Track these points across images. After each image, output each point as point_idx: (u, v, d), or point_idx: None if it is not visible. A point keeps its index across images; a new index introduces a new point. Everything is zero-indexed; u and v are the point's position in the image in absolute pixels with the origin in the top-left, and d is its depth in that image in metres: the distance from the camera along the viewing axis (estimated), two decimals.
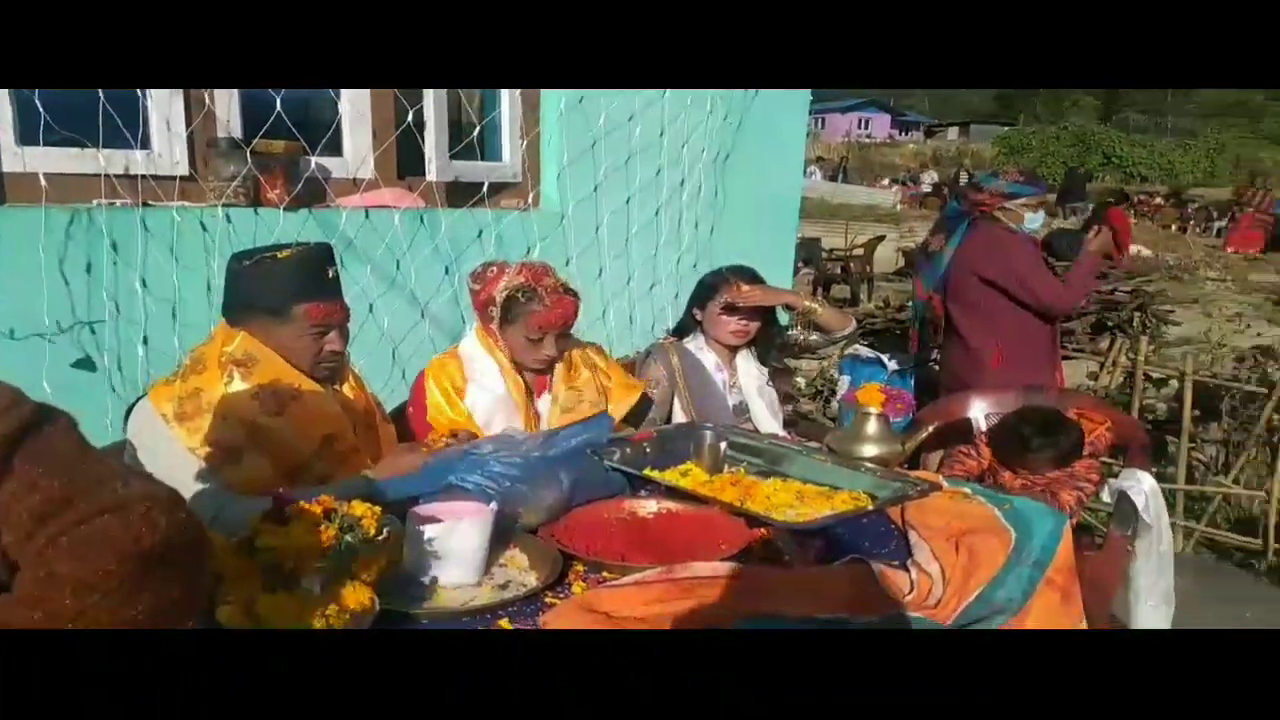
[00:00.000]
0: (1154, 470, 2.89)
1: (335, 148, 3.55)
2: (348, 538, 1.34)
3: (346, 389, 2.05)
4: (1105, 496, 2.76)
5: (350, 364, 2.11)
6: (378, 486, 1.75)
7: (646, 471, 2.11)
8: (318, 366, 1.92)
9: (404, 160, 3.81)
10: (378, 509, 1.42)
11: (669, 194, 3.95)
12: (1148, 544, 2.68)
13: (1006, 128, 41.39)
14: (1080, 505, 2.65)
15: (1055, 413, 2.77)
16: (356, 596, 1.32)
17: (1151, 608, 2.74)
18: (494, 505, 1.63)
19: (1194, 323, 8.29)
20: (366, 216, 3.20)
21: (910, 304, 3.79)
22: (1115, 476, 2.79)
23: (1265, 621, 3.38)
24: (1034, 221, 3.41)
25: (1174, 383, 4.50)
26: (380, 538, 1.39)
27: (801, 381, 4.99)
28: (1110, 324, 7.16)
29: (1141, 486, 2.69)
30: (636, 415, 2.56)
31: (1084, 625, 1.89)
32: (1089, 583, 2.03)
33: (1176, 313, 8.44)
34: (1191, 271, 12.45)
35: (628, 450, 2.17)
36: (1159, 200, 23.36)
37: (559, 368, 2.42)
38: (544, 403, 2.42)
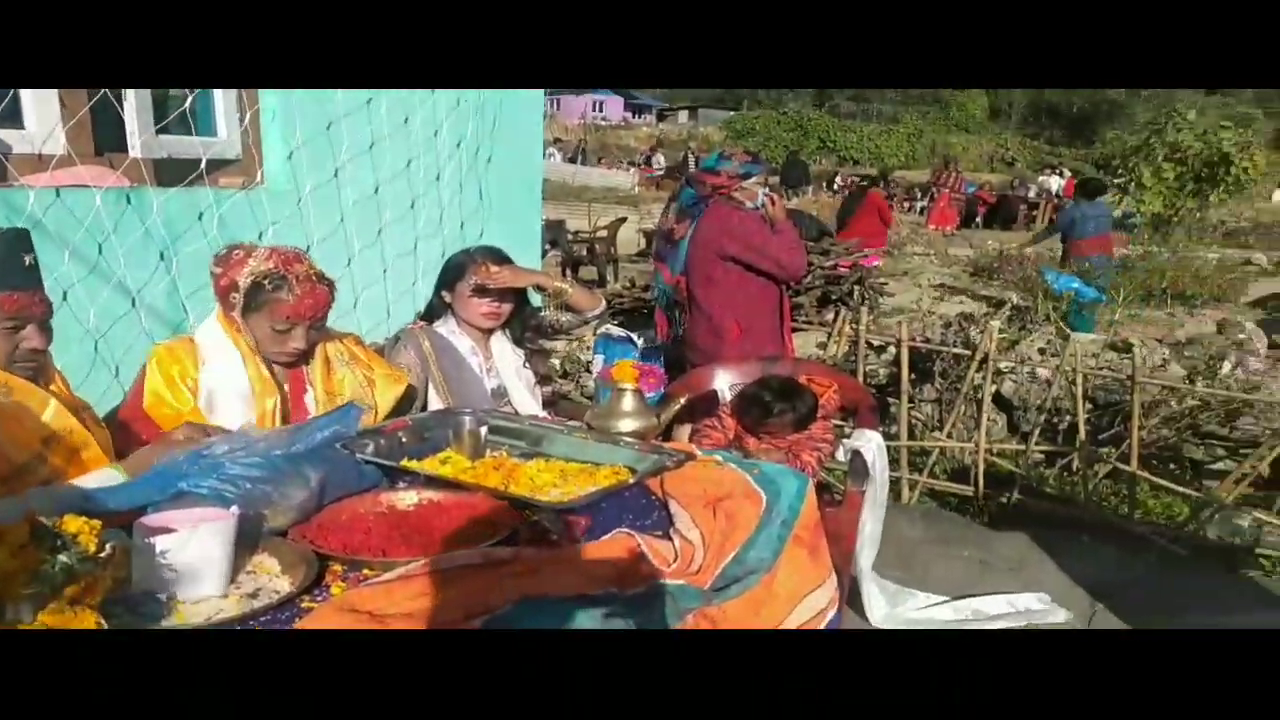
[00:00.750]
0: (881, 429, 3.14)
1: (15, 119, 3.13)
2: (61, 557, 1.17)
3: (54, 390, 1.81)
4: (840, 455, 2.97)
5: (52, 363, 1.87)
6: (96, 498, 1.56)
7: (404, 463, 2.03)
8: (12, 366, 1.69)
9: (102, 135, 3.43)
10: (96, 523, 1.26)
11: (425, 185, 3.82)
12: (873, 494, 2.93)
13: (732, 112, 43.44)
14: (820, 465, 2.83)
15: (792, 380, 2.94)
16: (79, 622, 1.17)
17: (869, 548, 3.04)
18: (235, 510, 1.49)
19: (906, 293, 9.11)
20: (58, 196, 2.84)
21: (656, 288, 3.88)
22: (848, 437, 3.01)
23: (979, 559, 3.77)
24: (761, 198, 3.59)
25: (892, 349, 4.91)
26: (102, 554, 1.23)
27: (555, 363, 5.00)
28: (834, 297, 7.72)
29: (870, 444, 2.93)
30: (404, 405, 2.46)
31: (831, 576, 2.02)
32: (832, 536, 2.16)
33: (890, 285, 9.24)
34: (900, 247, 13.65)
35: (381, 441, 2.07)
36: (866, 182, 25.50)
37: (316, 366, 2.27)
38: (310, 400, 2.27)
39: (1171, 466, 4.58)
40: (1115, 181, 17.09)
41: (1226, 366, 5.79)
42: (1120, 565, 3.76)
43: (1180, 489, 4.19)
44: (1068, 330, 6.42)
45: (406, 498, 1.84)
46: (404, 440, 2.13)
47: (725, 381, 3.30)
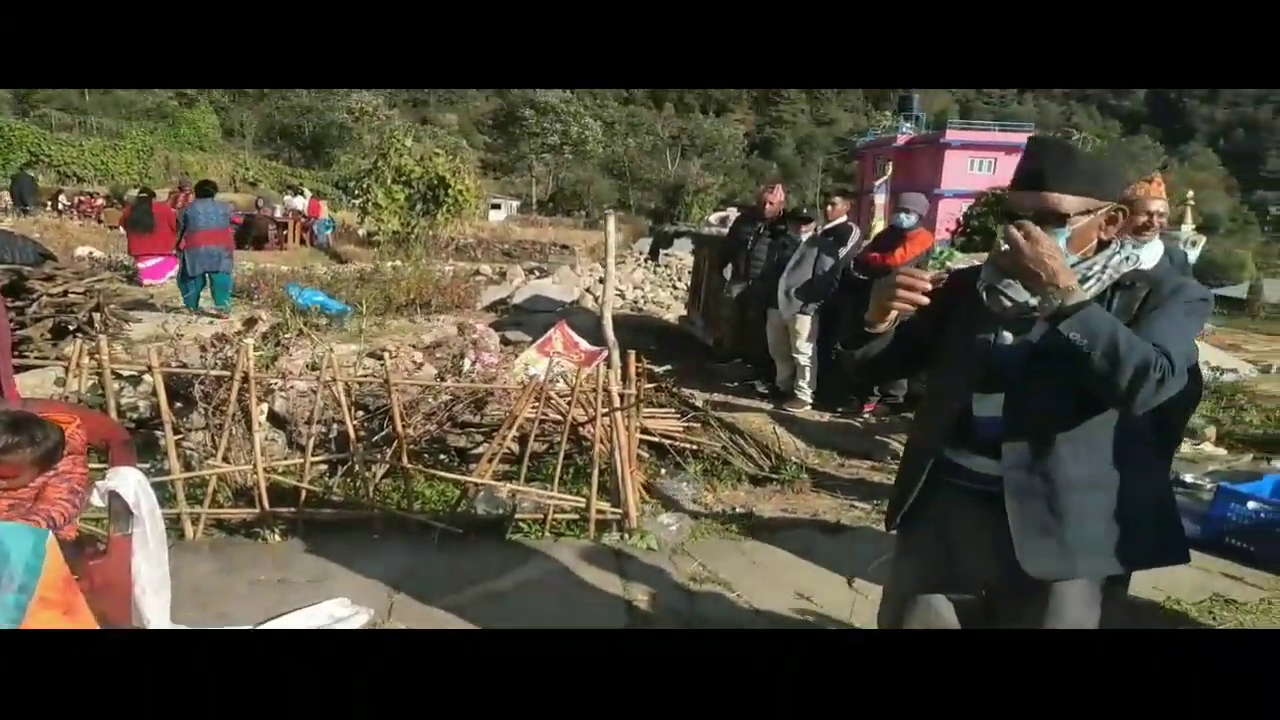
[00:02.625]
0: (148, 465, 2.80)
1: None
2: None
3: None
4: (97, 500, 2.58)
5: None
6: None
7: None
8: None
9: None
10: None
11: None
12: (143, 536, 2.61)
13: None
14: (70, 514, 2.40)
15: (23, 413, 2.48)
16: None
17: (153, 595, 2.71)
18: None
19: (155, 318, 8.42)
20: None
21: None
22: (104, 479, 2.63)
23: (278, 578, 3.60)
24: None
25: (147, 378, 4.45)
26: None
27: None
28: (71, 327, 6.78)
29: (129, 482, 2.60)
30: None
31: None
32: (101, 589, 1.85)
33: (137, 312, 8.46)
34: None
35: None
36: (100, 200, 23.34)
37: None
38: None
39: (442, 456, 4.96)
40: (355, 202, 18.15)
41: (467, 363, 6.50)
42: (408, 553, 3.95)
43: (448, 475, 4.55)
44: (323, 342, 6.57)
45: None
46: None
47: None
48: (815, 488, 5.24)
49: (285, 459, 4.67)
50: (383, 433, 4.79)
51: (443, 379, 5.31)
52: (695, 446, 5.47)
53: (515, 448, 4.62)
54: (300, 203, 24.68)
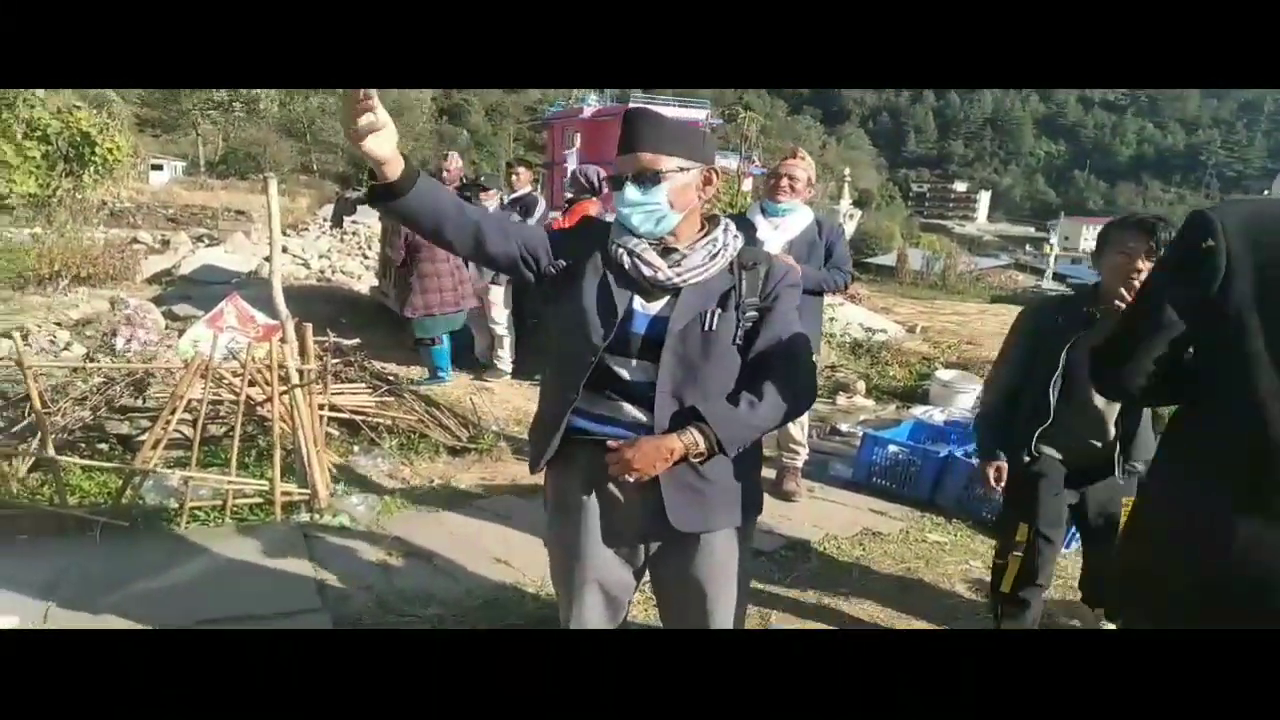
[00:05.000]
0: None
1: None
2: None
3: None
4: None
5: None
6: None
7: None
8: None
9: None
10: None
11: None
12: None
13: None
14: None
15: None
16: None
17: None
18: None
19: None
20: None
21: None
22: None
23: None
24: None
25: None
26: None
27: None
28: None
29: None
30: None
31: None
32: None
33: None
34: None
35: None
36: None
37: None
38: None
39: (101, 445, 4.49)
40: None
41: (120, 341, 5.91)
42: (65, 553, 3.55)
43: (107, 465, 4.13)
44: None
45: None
46: None
47: None
48: (515, 454, 5.31)
49: None
50: (25, 422, 4.25)
51: (92, 359, 4.77)
52: (390, 421, 5.34)
53: (188, 431, 4.28)
54: None
